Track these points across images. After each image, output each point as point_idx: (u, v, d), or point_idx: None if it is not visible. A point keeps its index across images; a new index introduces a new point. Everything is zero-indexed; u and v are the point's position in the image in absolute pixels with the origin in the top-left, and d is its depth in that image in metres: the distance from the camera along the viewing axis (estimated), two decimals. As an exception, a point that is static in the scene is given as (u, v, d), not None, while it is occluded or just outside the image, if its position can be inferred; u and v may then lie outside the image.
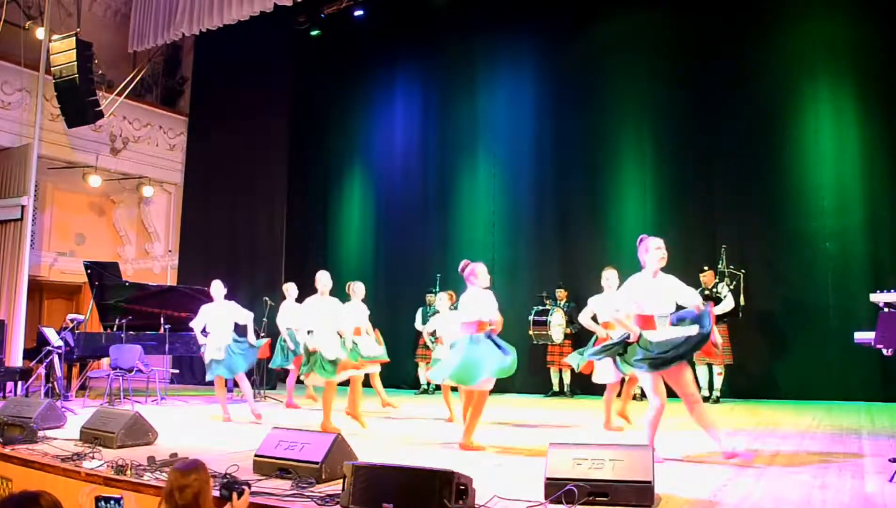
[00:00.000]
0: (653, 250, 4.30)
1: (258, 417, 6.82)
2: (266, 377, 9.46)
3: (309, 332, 6.11)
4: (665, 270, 4.43)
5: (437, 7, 10.60)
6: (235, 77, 11.85)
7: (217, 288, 7.12)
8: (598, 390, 6.43)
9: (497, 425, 6.33)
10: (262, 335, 8.49)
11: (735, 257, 8.10)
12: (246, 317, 7.16)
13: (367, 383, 7.56)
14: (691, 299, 4.34)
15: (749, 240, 8.40)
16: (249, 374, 9.30)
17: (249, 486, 3.02)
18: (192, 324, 7.25)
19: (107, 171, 11.89)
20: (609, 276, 5.98)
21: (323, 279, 6.24)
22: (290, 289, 8.22)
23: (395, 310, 10.16)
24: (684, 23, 9.08)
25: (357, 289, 7.01)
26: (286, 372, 8.57)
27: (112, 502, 2.59)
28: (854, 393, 7.55)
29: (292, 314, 7.85)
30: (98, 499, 2.59)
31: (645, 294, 4.32)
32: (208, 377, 7.12)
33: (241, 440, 5.26)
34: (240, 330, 7.19)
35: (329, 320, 6.10)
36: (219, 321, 7.04)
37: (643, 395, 7.44)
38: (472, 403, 5.13)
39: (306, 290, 6.47)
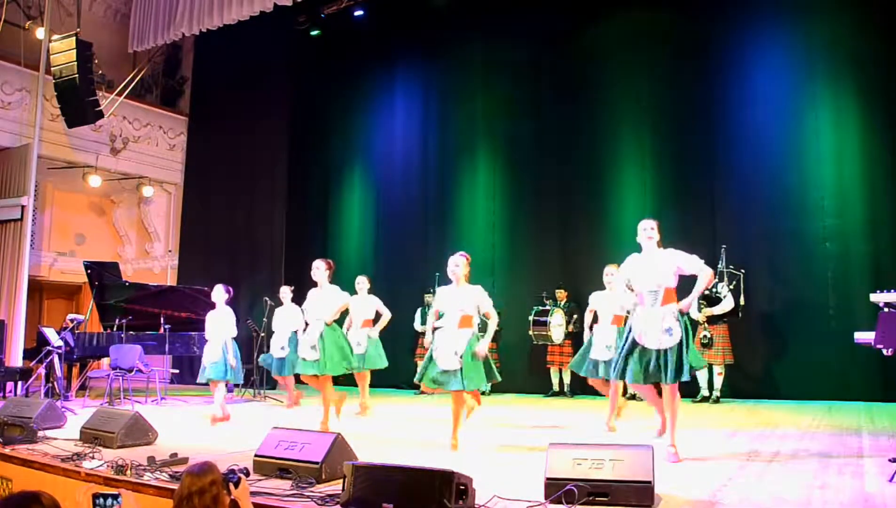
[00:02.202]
0: (640, 231, 4.65)
1: (222, 419, 6.80)
2: (266, 378, 9.46)
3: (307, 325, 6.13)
4: None
5: (437, 7, 10.59)
6: (235, 77, 11.86)
7: (217, 293, 7.01)
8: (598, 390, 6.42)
9: (497, 425, 6.33)
10: (261, 333, 8.51)
11: (735, 257, 8.10)
12: (228, 331, 6.93)
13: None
14: (694, 268, 4.55)
15: (749, 240, 8.39)
16: (249, 374, 9.34)
17: (248, 473, 3.01)
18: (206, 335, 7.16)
19: (107, 171, 11.89)
20: (611, 273, 5.99)
21: (313, 270, 6.16)
22: (284, 293, 8.17)
23: (395, 310, 10.13)
24: (684, 23, 9.08)
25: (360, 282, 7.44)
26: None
27: (109, 499, 2.56)
28: (854, 393, 7.54)
29: (287, 317, 7.88)
30: (96, 496, 2.56)
31: (633, 271, 4.64)
32: (199, 380, 7.10)
33: (241, 440, 5.26)
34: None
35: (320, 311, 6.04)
36: (214, 327, 6.97)
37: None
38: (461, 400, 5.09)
39: (306, 290, 6.43)
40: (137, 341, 8.97)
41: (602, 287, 6.14)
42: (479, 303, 5.11)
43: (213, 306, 7.12)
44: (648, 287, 4.50)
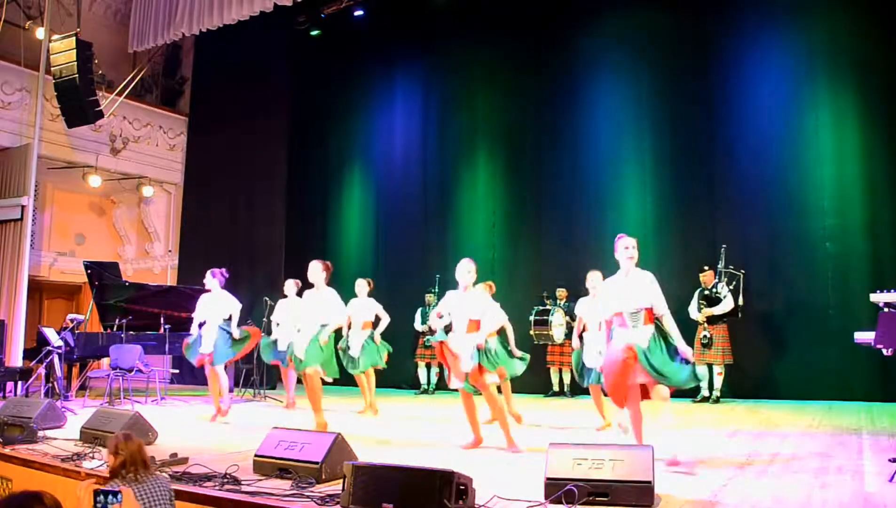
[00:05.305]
0: (620, 250, 4.48)
1: (221, 414, 6.81)
2: (266, 377, 9.46)
3: (299, 330, 6.07)
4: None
5: (437, 7, 10.60)
6: (235, 77, 11.86)
7: (208, 279, 7.06)
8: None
9: (497, 425, 6.32)
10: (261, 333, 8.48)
11: (735, 257, 8.10)
12: (232, 307, 7.04)
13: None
14: (655, 302, 4.37)
15: (749, 240, 8.40)
16: (249, 374, 9.34)
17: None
18: (193, 315, 7.22)
19: (107, 171, 11.89)
20: (593, 278, 5.96)
21: (309, 272, 6.07)
22: (289, 287, 8.16)
23: (395, 310, 10.15)
24: (685, 23, 9.08)
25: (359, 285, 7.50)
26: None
27: (111, 496, 2.53)
28: (854, 393, 7.55)
29: (284, 310, 7.88)
30: (97, 493, 2.54)
31: (615, 292, 4.48)
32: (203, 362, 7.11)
33: (241, 440, 5.26)
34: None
35: (313, 314, 5.99)
36: (209, 311, 7.00)
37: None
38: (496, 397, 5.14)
39: (305, 288, 6.42)
40: (137, 341, 8.96)
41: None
42: (485, 307, 5.11)
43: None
44: (629, 308, 4.38)
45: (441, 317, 5.15)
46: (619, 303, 4.42)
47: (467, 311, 5.03)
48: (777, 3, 8.59)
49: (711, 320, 7.89)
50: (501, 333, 6.38)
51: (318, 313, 5.93)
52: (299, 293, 7.58)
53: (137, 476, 2.84)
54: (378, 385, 7.82)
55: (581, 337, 6.10)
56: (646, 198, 9.15)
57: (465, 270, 5.05)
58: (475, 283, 5.20)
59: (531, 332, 8.80)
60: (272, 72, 11.77)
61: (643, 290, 4.40)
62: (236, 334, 6.98)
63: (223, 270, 7.20)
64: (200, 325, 7.10)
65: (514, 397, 9.08)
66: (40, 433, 5.20)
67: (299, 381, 7.47)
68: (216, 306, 7.04)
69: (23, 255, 10.13)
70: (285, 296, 8.09)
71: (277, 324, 8.00)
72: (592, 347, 5.88)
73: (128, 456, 2.85)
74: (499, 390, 6.53)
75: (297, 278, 8.53)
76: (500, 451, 4.89)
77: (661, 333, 4.34)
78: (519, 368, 6.15)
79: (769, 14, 8.60)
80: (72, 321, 9.44)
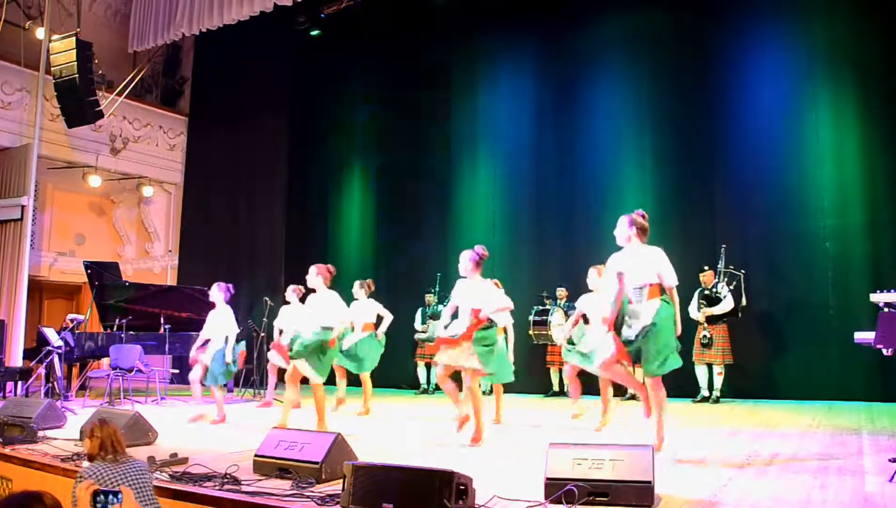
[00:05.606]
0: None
1: (221, 420, 6.73)
2: (266, 378, 9.44)
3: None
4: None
5: (437, 7, 10.60)
6: (235, 77, 11.87)
7: (213, 293, 6.96)
8: (598, 390, 6.42)
9: (497, 425, 6.33)
10: (261, 333, 8.48)
11: (735, 257, 8.11)
12: (228, 329, 6.86)
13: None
14: (663, 271, 4.44)
15: (749, 240, 8.40)
16: (249, 374, 9.35)
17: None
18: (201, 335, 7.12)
19: (107, 171, 11.90)
20: (592, 274, 6.01)
21: (308, 278, 6.08)
22: (290, 294, 8.12)
23: (395, 310, 10.14)
24: (685, 23, 9.08)
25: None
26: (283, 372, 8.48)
27: (111, 496, 2.53)
28: (854, 393, 7.54)
29: (287, 317, 7.84)
30: (96, 494, 2.53)
31: (619, 267, 4.60)
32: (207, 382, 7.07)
33: (241, 440, 5.26)
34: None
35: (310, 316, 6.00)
36: (212, 327, 6.92)
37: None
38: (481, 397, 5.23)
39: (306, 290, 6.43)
40: (137, 341, 8.96)
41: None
42: (487, 297, 5.21)
43: (213, 305, 7.10)
44: (634, 283, 4.47)
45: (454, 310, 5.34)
46: (625, 278, 4.50)
47: (470, 300, 5.18)
48: (777, 3, 8.58)
49: (711, 320, 7.89)
50: (504, 333, 6.43)
51: (320, 317, 5.94)
52: (302, 300, 7.56)
53: (116, 458, 2.94)
54: (378, 385, 7.83)
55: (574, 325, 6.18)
56: (646, 198, 9.13)
57: (461, 261, 5.27)
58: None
59: (530, 332, 8.80)
60: (272, 72, 11.78)
61: (649, 265, 4.46)
62: (229, 357, 6.81)
63: (229, 285, 7.08)
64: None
65: (514, 396, 9.12)
66: (40, 433, 5.20)
67: (304, 381, 7.44)
68: (219, 324, 6.91)
69: (23, 255, 10.14)
70: (287, 303, 8.05)
71: (280, 331, 7.97)
72: (592, 339, 5.89)
73: (104, 438, 2.96)
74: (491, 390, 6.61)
75: (298, 279, 8.51)
76: (499, 451, 4.89)
77: (668, 306, 4.39)
78: (504, 376, 6.18)
79: (769, 14, 8.60)
80: (72, 320, 9.45)
